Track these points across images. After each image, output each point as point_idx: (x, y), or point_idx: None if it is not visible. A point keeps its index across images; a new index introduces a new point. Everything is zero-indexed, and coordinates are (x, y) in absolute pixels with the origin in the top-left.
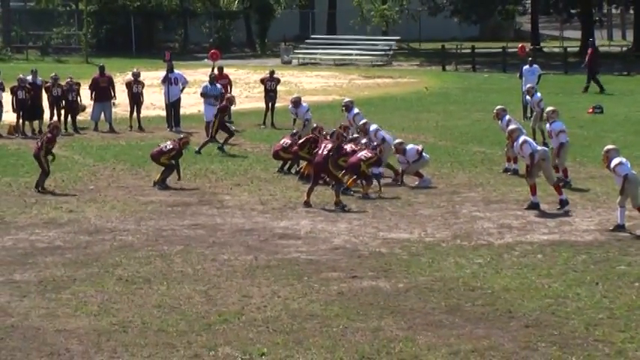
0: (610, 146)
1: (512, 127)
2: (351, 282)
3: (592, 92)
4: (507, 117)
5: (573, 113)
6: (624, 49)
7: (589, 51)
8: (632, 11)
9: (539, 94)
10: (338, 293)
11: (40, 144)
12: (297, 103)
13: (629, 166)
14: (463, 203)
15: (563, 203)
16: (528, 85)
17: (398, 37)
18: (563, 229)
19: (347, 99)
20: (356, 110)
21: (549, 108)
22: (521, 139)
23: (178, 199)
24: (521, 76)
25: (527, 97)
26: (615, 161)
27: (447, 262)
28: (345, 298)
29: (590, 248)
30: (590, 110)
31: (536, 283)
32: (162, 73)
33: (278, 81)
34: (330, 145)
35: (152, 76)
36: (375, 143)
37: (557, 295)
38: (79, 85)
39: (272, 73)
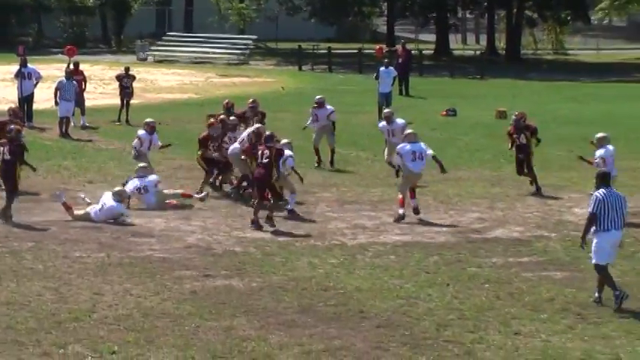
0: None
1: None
2: (204, 281)
3: (445, 95)
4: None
5: (427, 115)
6: (478, 52)
7: (400, 52)
8: (485, 16)
9: (401, 120)
10: (191, 292)
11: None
12: (321, 104)
13: None
14: (317, 203)
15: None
16: (386, 110)
17: (255, 37)
18: (416, 230)
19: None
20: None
21: (409, 131)
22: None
23: (29, 196)
24: (377, 78)
25: (384, 123)
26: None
27: (301, 262)
28: (198, 297)
29: (442, 250)
30: (444, 113)
31: (389, 283)
32: (16, 67)
33: (134, 78)
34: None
35: (4, 70)
36: None
37: (408, 296)
38: None
39: (127, 69)
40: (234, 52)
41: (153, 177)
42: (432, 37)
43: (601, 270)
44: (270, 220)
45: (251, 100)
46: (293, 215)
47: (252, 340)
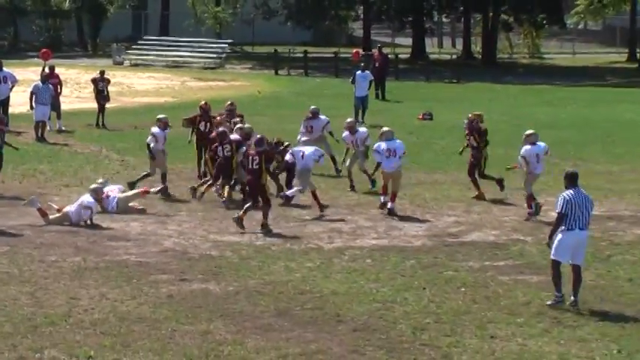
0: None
1: None
2: (180, 285)
3: (421, 99)
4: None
5: (403, 119)
6: (454, 56)
7: (376, 56)
8: (462, 20)
9: (364, 129)
10: (167, 296)
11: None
12: (315, 114)
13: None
14: (294, 207)
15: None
16: (349, 120)
17: (231, 40)
18: (393, 234)
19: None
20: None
21: (386, 129)
22: None
23: (4, 200)
24: (353, 82)
25: (347, 133)
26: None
27: (277, 266)
28: (174, 301)
29: (419, 253)
30: (420, 116)
31: (365, 287)
32: None
33: (108, 81)
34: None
35: None
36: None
37: (385, 300)
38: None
39: (102, 73)
40: (210, 55)
41: (115, 186)
42: (409, 41)
43: (555, 266)
44: (264, 226)
45: (229, 103)
46: (286, 201)
47: (228, 344)
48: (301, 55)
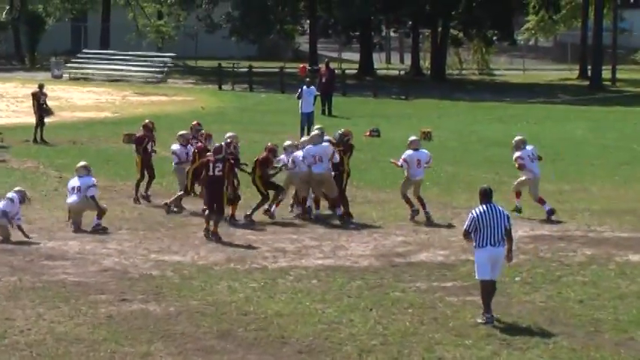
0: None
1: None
2: (120, 305)
3: (369, 115)
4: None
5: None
6: (402, 72)
7: (323, 71)
8: (410, 36)
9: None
10: (106, 317)
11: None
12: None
13: None
14: (238, 226)
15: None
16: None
17: (174, 54)
18: (339, 253)
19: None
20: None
21: (314, 132)
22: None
23: None
24: (300, 97)
25: (283, 156)
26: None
27: (220, 286)
28: (113, 322)
29: (365, 274)
30: (368, 133)
31: (311, 308)
32: None
33: (46, 95)
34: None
35: None
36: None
37: (331, 321)
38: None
39: (42, 86)
40: (152, 69)
41: (89, 179)
42: (356, 56)
43: (481, 286)
44: (215, 234)
45: (196, 122)
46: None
47: None
48: (246, 69)
